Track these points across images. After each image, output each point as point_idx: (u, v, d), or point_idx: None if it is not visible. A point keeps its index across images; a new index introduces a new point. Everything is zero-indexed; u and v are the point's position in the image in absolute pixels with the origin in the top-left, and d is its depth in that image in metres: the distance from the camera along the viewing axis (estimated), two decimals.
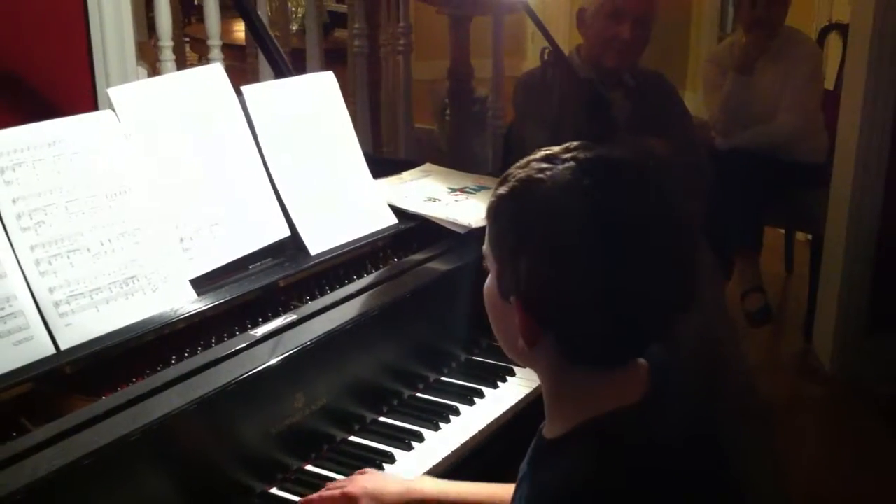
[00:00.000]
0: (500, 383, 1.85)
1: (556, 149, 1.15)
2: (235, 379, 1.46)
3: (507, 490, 1.46)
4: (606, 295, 1.09)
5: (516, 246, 1.13)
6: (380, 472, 1.54)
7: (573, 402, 1.17)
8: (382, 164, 2.23)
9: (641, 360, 1.19)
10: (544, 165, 1.12)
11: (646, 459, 1.11)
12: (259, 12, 2.55)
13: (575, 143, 1.15)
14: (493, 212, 1.17)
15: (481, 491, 1.49)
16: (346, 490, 1.47)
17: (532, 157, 1.16)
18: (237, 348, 1.54)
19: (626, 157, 1.14)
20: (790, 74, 3.83)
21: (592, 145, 1.15)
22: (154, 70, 3.01)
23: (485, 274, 1.22)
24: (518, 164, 1.17)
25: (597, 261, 1.08)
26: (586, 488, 1.09)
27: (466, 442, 1.68)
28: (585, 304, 1.10)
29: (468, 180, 2.25)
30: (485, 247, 1.20)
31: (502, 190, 1.16)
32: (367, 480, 1.49)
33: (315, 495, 1.49)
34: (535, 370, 1.22)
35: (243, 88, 1.87)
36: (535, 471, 1.20)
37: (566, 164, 1.11)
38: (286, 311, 1.70)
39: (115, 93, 1.67)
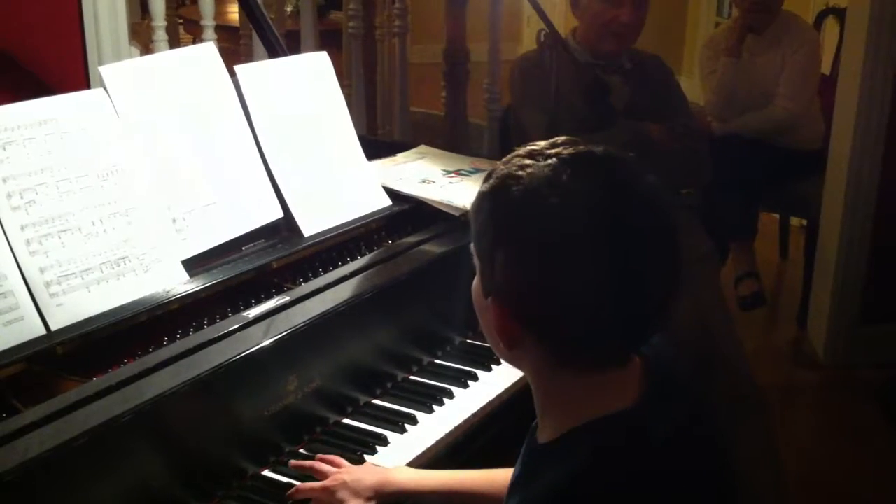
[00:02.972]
0: (494, 366, 1.85)
1: (541, 144, 1.12)
2: (228, 360, 1.45)
3: (484, 477, 1.46)
4: (587, 297, 1.06)
5: (493, 244, 1.11)
6: (359, 466, 1.53)
7: (563, 404, 1.14)
8: (376, 145, 2.21)
9: (636, 359, 1.15)
10: (526, 162, 1.10)
11: (641, 465, 1.08)
12: None
13: (562, 139, 1.12)
14: (475, 208, 1.15)
15: (457, 479, 1.48)
16: (324, 483, 1.47)
17: (517, 152, 1.13)
18: (229, 330, 1.53)
19: (611, 154, 1.11)
20: (787, 59, 3.82)
21: (579, 141, 1.12)
22: (147, 50, 2.99)
23: None
24: (504, 160, 1.14)
25: (576, 261, 1.05)
26: (580, 497, 1.06)
27: (460, 425, 1.68)
28: (562, 304, 1.07)
29: (463, 163, 2.24)
30: (471, 244, 1.18)
31: (484, 187, 1.14)
32: (345, 473, 1.48)
33: (302, 486, 1.48)
34: (523, 371, 1.19)
35: (236, 68, 1.85)
36: (527, 476, 1.18)
37: (548, 161, 1.08)
38: (279, 292, 1.69)
39: (107, 71, 1.66)
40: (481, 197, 1.14)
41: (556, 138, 1.13)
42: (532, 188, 1.07)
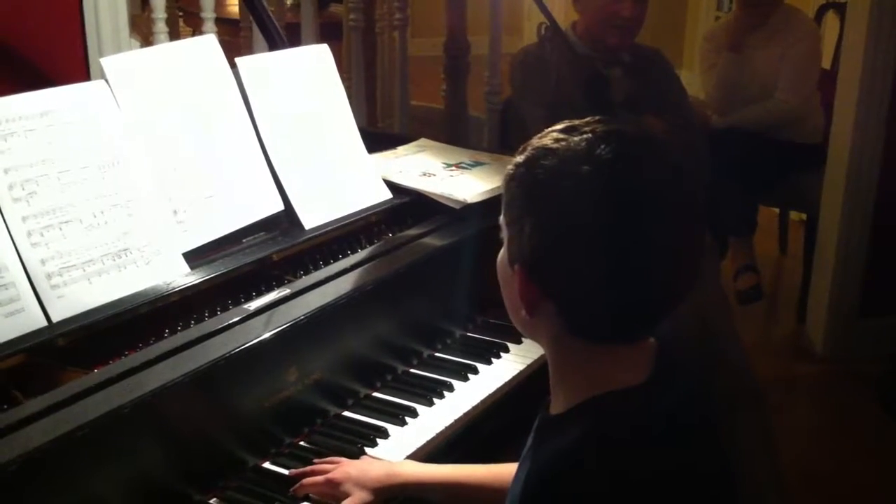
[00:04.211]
0: (494, 360, 1.85)
1: (578, 122, 1.15)
2: (228, 352, 1.45)
3: (489, 471, 1.47)
4: (610, 267, 1.08)
5: (522, 211, 1.14)
6: (364, 459, 1.54)
7: (576, 377, 1.17)
8: (377, 138, 2.21)
9: (651, 340, 1.18)
10: (562, 136, 1.13)
11: (644, 442, 1.10)
12: None
13: (597, 118, 1.15)
14: (507, 178, 1.18)
15: (462, 473, 1.49)
16: (330, 476, 1.47)
17: (554, 127, 1.16)
18: (230, 322, 1.53)
19: (645, 132, 1.15)
20: (787, 53, 3.82)
21: (614, 120, 1.15)
22: (147, 43, 2.98)
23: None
24: (539, 135, 1.18)
25: (603, 231, 1.08)
26: (583, 469, 1.08)
27: (460, 418, 1.68)
28: (587, 274, 1.10)
29: (464, 156, 2.23)
30: (500, 217, 1.20)
31: (519, 158, 1.17)
32: (350, 466, 1.49)
33: (306, 480, 1.48)
34: (540, 342, 1.22)
35: (237, 60, 1.85)
36: (536, 446, 1.20)
37: (584, 136, 1.12)
38: (280, 285, 1.70)
39: (108, 62, 1.65)
40: (515, 166, 1.17)
41: (592, 117, 1.16)
42: (565, 160, 1.11)
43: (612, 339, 1.15)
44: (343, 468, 1.48)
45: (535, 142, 1.16)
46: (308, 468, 1.51)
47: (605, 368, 1.15)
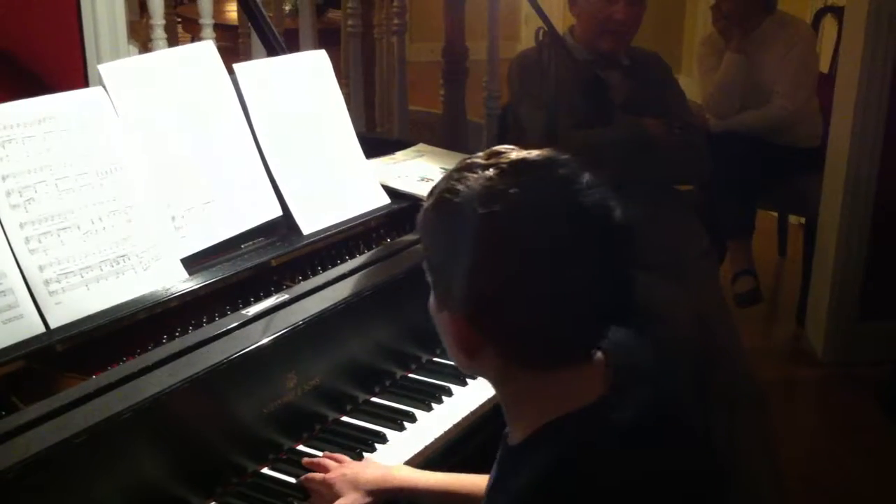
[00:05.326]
0: None
1: (478, 157, 1.14)
2: (227, 358, 1.45)
3: (481, 481, 1.46)
4: (533, 298, 1.08)
5: (445, 257, 1.13)
6: (362, 462, 1.55)
7: (529, 405, 1.16)
8: (375, 143, 2.22)
9: (599, 355, 1.16)
10: (465, 175, 1.12)
11: (608, 457, 1.10)
12: None
13: (497, 149, 1.14)
14: (421, 226, 1.18)
15: (455, 481, 1.50)
16: (326, 476, 1.49)
17: (455, 167, 1.15)
18: (229, 327, 1.53)
19: (549, 158, 1.12)
20: (784, 58, 3.82)
21: (515, 149, 1.14)
22: (145, 49, 2.99)
23: None
24: (444, 176, 1.16)
25: (519, 265, 1.07)
26: (553, 494, 1.08)
27: (458, 423, 1.68)
28: (517, 306, 1.09)
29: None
30: (424, 262, 1.19)
31: (427, 204, 1.16)
32: (346, 467, 1.51)
33: (308, 476, 1.50)
34: (487, 379, 1.21)
35: (235, 66, 1.85)
36: (501, 479, 1.20)
37: (484, 172, 1.10)
38: (278, 290, 1.69)
39: (106, 69, 1.66)
40: (425, 214, 1.16)
41: (493, 148, 1.15)
42: (473, 198, 1.09)
43: (557, 364, 1.13)
44: (340, 469, 1.50)
45: (440, 185, 1.14)
46: (316, 460, 1.53)
47: (557, 392, 1.13)
